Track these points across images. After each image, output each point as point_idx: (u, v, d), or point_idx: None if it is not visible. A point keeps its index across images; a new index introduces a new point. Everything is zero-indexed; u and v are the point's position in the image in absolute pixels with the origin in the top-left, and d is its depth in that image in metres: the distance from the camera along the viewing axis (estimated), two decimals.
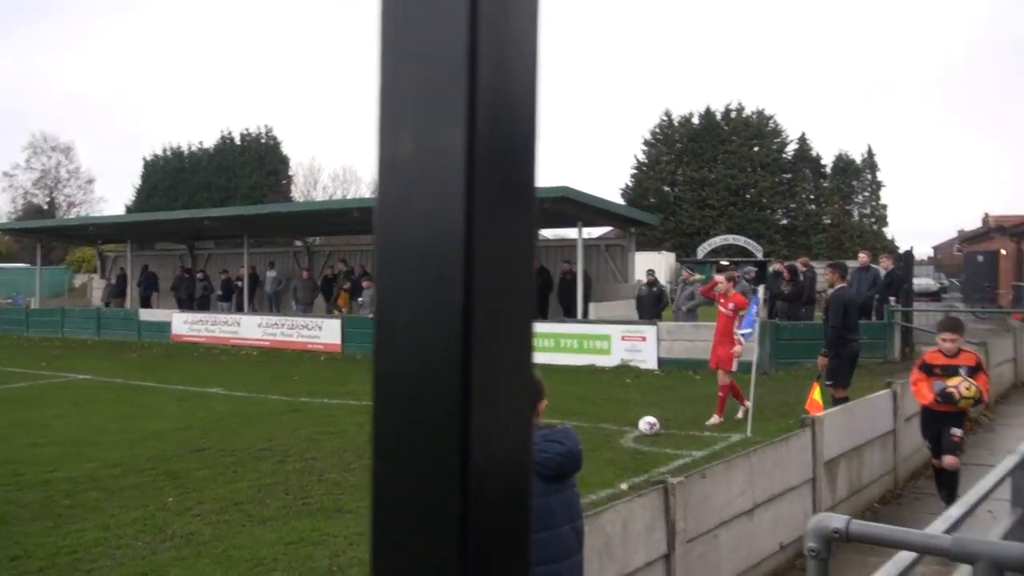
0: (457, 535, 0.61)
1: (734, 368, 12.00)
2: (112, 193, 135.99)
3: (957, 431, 7.31)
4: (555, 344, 18.50)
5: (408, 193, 0.61)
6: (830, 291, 10.73)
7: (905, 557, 2.63)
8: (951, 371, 7.25)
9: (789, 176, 58.05)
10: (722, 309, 12.39)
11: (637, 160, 61.08)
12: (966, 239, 45.59)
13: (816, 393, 9.25)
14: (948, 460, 7.31)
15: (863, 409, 8.00)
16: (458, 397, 0.60)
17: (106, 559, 6.54)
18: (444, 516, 0.61)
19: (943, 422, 7.38)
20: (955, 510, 3.34)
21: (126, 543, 6.91)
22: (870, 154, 59.25)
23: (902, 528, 2.22)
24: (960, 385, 7.13)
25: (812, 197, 58.73)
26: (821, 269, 14.55)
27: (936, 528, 3.01)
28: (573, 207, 19.58)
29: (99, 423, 12.25)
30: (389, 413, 0.63)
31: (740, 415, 11.66)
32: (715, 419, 11.84)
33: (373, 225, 0.63)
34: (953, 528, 3.11)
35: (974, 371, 7.24)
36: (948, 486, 7.51)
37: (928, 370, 7.41)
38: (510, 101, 0.63)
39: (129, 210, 59.10)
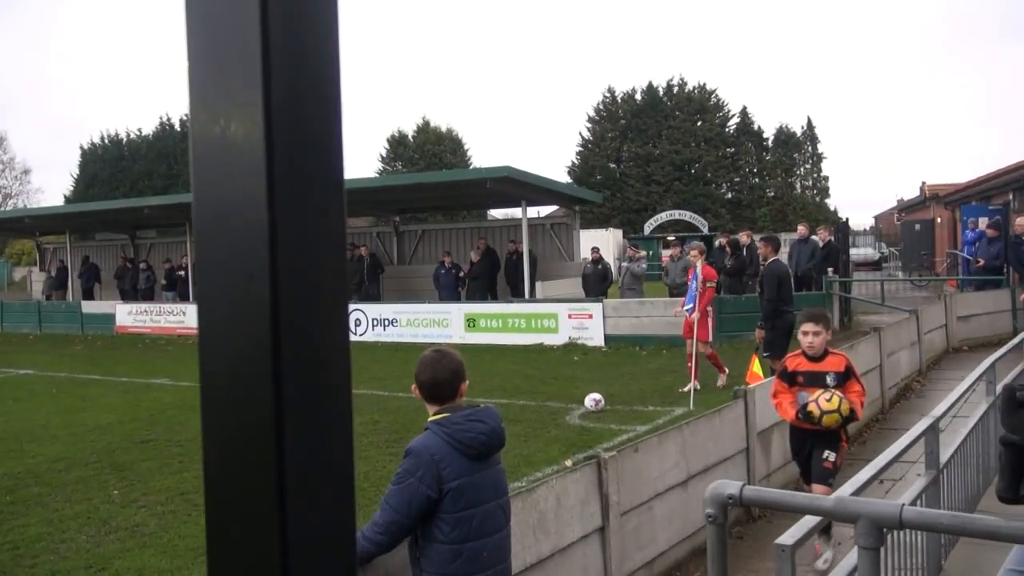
0: (277, 509, 0.69)
1: (710, 338, 12.49)
2: (49, 184, 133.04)
3: (831, 456, 5.79)
4: (503, 324, 18.62)
5: (217, 183, 0.69)
6: (764, 264, 11.00)
7: (809, 520, 2.78)
8: (816, 379, 5.85)
9: (732, 150, 58.82)
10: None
11: (582, 137, 61.37)
12: (904, 208, 46.58)
13: (755, 365, 9.50)
14: (818, 490, 5.66)
15: None
16: (270, 384, 0.67)
17: (49, 554, 6.52)
18: (264, 494, 0.69)
19: (812, 441, 5.92)
20: (863, 475, 3.51)
21: (69, 537, 6.89)
22: (810, 126, 60.30)
23: (790, 492, 2.37)
24: (820, 397, 5.65)
25: (755, 170, 59.59)
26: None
27: (844, 491, 3.18)
28: (516, 187, 19.68)
29: (42, 418, 12.09)
30: (212, 401, 0.71)
31: (685, 389, 11.89)
32: (721, 379, 12.41)
33: (192, 215, 0.70)
34: (860, 491, 3.28)
35: (843, 378, 5.84)
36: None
37: (790, 379, 6.02)
38: (308, 94, 0.68)
39: (68, 200, 57.86)
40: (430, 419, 3.41)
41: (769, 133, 59.72)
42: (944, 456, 4.76)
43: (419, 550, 3.31)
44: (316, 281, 0.72)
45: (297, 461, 0.70)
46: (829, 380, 5.78)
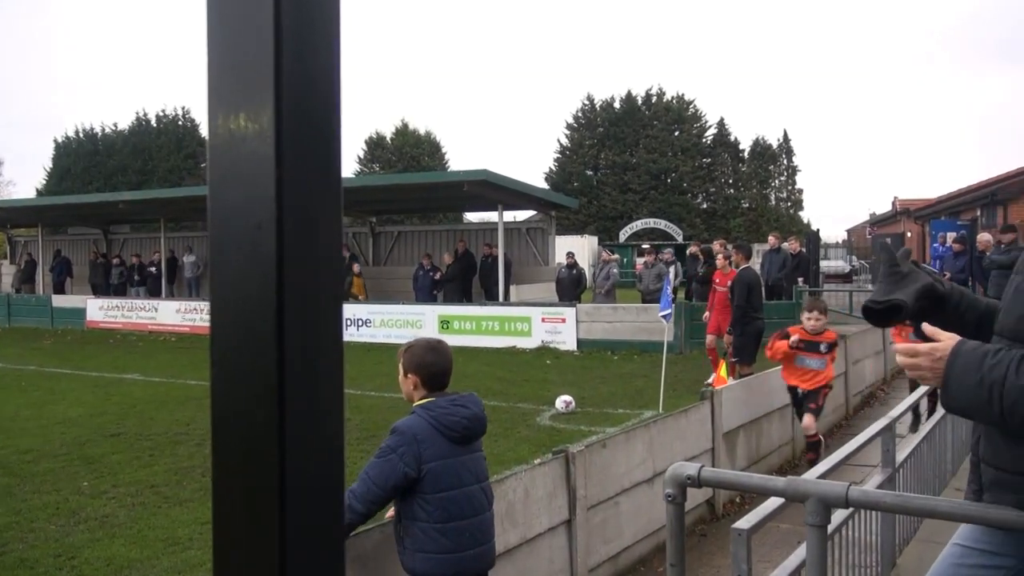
0: (277, 448, 0.78)
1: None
2: (21, 176, 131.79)
3: None
4: (476, 327, 18.71)
5: (231, 170, 0.79)
6: (735, 271, 11.18)
7: (766, 508, 2.91)
8: None
9: (708, 160, 59.27)
10: (719, 288, 12.78)
11: (560, 144, 61.62)
12: (876, 222, 47.25)
13: (722, 370, 9.67)
14: None
15: (762, 383, 8.38)
16: (274, 325, 0.78)
17: (17, 543, 6.52)
18: (265, 437, 0.79)
19: None
20: (821, 467, 3.65)
21: (38, 527, 6.89)
22: (786, 139, 60.84)
23: (745, 473, 2.49)
24: None
25: (731, 181, 60.06)
26: None
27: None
28: (493, 190, 19.81)
29: (10, 410, 12.01)
30: (222, 336, 0.81)
31: (709, 381, 12.03)
32: (712, 378, 12.42)
33: (208, 199, 0.79)
34: None
35: None
36: None
37: None
38: (311, 89, 0.79)
39: (40, 194, 57.23)
40: (416, 404, 3.52)
41: (745, 145, 60.30)
42: (900, 456, 4.92)
43: (403, 529, 3.42)
44: (315, 240, 0.82)
45: (296, 394, 0.80)
46: None
